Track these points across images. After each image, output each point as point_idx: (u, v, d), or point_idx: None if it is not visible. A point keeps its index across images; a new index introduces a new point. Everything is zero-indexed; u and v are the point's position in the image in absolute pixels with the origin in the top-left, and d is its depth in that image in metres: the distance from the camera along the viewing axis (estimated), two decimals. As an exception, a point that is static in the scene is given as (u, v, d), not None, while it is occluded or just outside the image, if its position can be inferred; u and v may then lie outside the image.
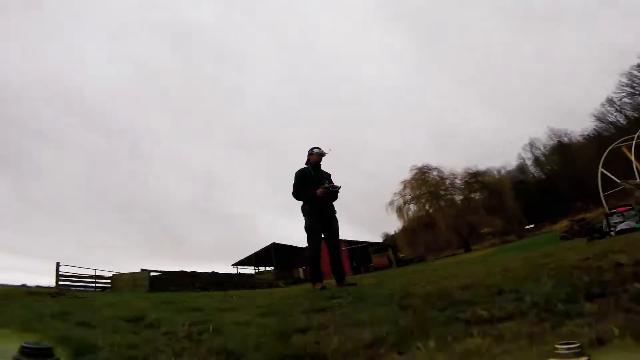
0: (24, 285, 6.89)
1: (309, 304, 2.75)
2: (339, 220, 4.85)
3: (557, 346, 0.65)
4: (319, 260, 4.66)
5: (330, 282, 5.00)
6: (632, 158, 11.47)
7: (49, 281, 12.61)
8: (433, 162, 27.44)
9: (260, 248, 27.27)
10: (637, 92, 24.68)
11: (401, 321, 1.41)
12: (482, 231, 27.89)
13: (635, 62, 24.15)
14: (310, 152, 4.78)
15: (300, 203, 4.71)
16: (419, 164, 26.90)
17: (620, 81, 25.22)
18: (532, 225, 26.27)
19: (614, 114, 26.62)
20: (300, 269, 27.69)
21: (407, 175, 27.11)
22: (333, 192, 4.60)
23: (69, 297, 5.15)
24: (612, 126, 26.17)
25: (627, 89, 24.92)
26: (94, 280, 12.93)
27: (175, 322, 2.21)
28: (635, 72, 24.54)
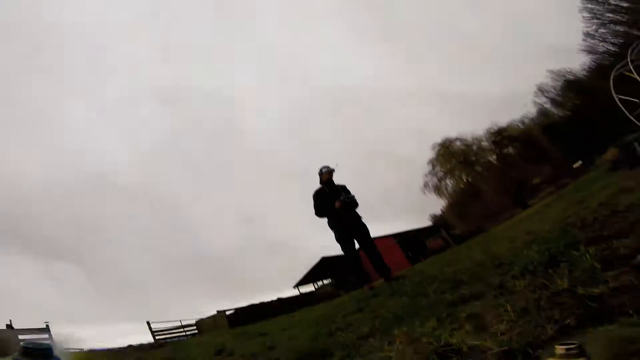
0: (130, 346, 8.04)
1: (352, 305, 3.14)
2: (366, 224, 5.06)
3: (556, 346, 0.60)
4: (359, 265, 4.93)
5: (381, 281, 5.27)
6: (638, 78, 11.35)
7: (148, 338, 14.34)
8: (452, 134, 26.85)
9: (313, 265, 27.20)
10: (605, 21, 23.57)
11: (402, 309, 1.76)
12: (533, 183, 26.12)
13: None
14: (320, 173, 5.15)
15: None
16: (439, 140, 26.22)
17: (583, 16, 24.20)
18: (580, 162, 24.16)
19: (600, 44, 25.45)
20: (354, 275, 27.57)
21: (431, 154, 26.55)
22: (350, 202, 4.89)
23: (167, 347, 6.18)
24: (606, 54, 25.16)
25: (595, 21, 23.89)
26: (182, 329, 14.43)
27: (247, 347, 2.75)
28: (589, 5, 23.53)
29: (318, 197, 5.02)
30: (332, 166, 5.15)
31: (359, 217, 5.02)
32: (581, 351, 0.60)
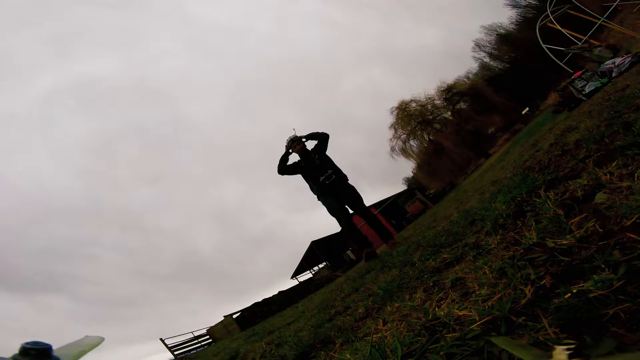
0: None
1: (348, 287, 3.13)
2: (354, 185, 4.63)
3: (555, 347, 0.54)
4: (356, 232, 4.51)
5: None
6: (560, 28, 12.04)
7: (167, 355, 14.07)
8: (406, 96, 27.36)
9: (304, 252, 26.34)
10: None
11: (392, 284, 1.74)
12: (489, 132, 27.24)
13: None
14: (290, 147, 4.59)
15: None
16: (396, 104, 26.55)
17: None
18: (527, 109, 25.46)
19: (522, -2, 26.99)
20: (348, 251, 27.43)
21: (391, 118, 26.79)
22: (335, 178, 4.48)
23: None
24: (529, 8, 26.72)
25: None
26: (196, 340, 14.21)
27: (257, 348, 2.69)
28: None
29: (294, 164, 4.57)
30: (292, 133, 4.64)
31: (346, 179, 4.60)
32: (581, 352, 0.53)
